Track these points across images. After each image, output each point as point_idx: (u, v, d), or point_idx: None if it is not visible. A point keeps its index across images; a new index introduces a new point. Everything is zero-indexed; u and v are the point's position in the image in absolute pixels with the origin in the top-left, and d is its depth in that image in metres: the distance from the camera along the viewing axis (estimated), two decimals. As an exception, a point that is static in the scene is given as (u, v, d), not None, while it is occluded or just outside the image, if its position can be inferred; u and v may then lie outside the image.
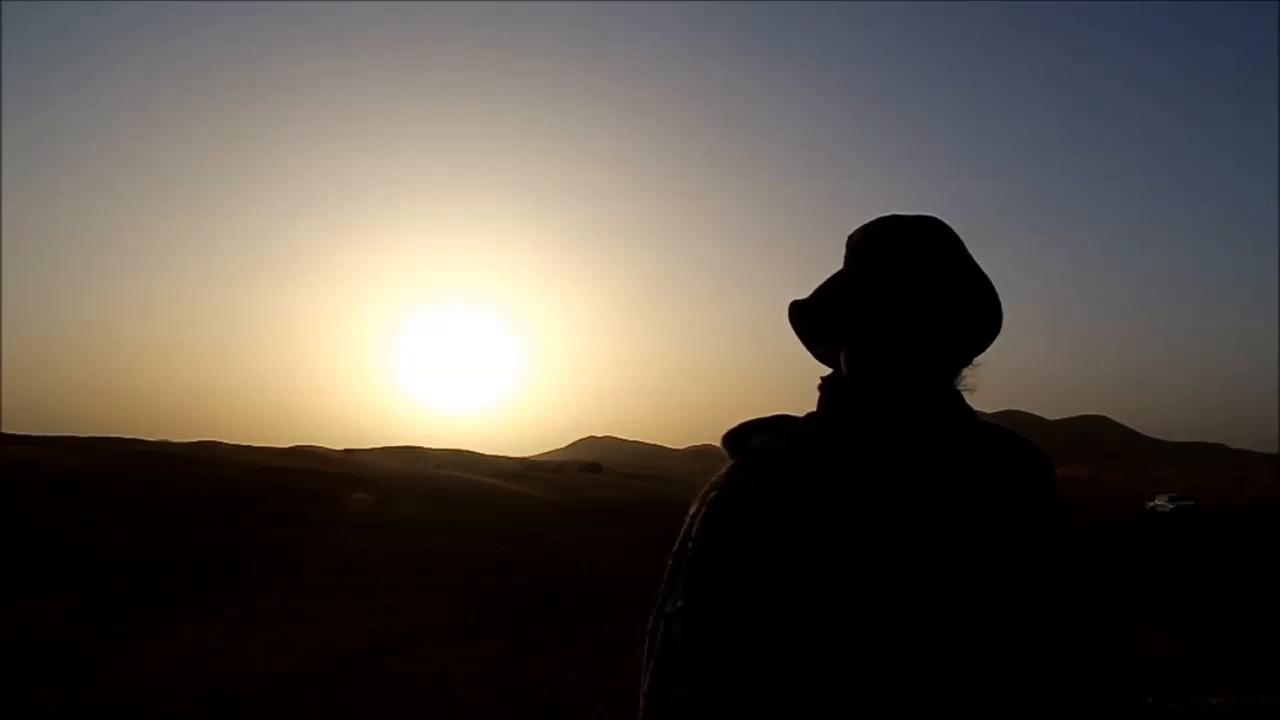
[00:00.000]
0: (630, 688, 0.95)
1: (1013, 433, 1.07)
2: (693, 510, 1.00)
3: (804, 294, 1.09)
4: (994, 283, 1.05)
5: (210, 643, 8.31)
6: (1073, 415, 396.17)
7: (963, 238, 1.06)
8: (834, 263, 1.11)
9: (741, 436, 1.06)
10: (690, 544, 0.96)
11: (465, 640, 8.86)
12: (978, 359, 1.06)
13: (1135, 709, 0.97)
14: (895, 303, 0.99)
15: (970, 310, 1.02)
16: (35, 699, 6.13)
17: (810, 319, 1.08)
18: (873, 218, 1.10)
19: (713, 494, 0.99)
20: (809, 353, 1.12)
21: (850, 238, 1.10)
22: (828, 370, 1.10)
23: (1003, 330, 1.07)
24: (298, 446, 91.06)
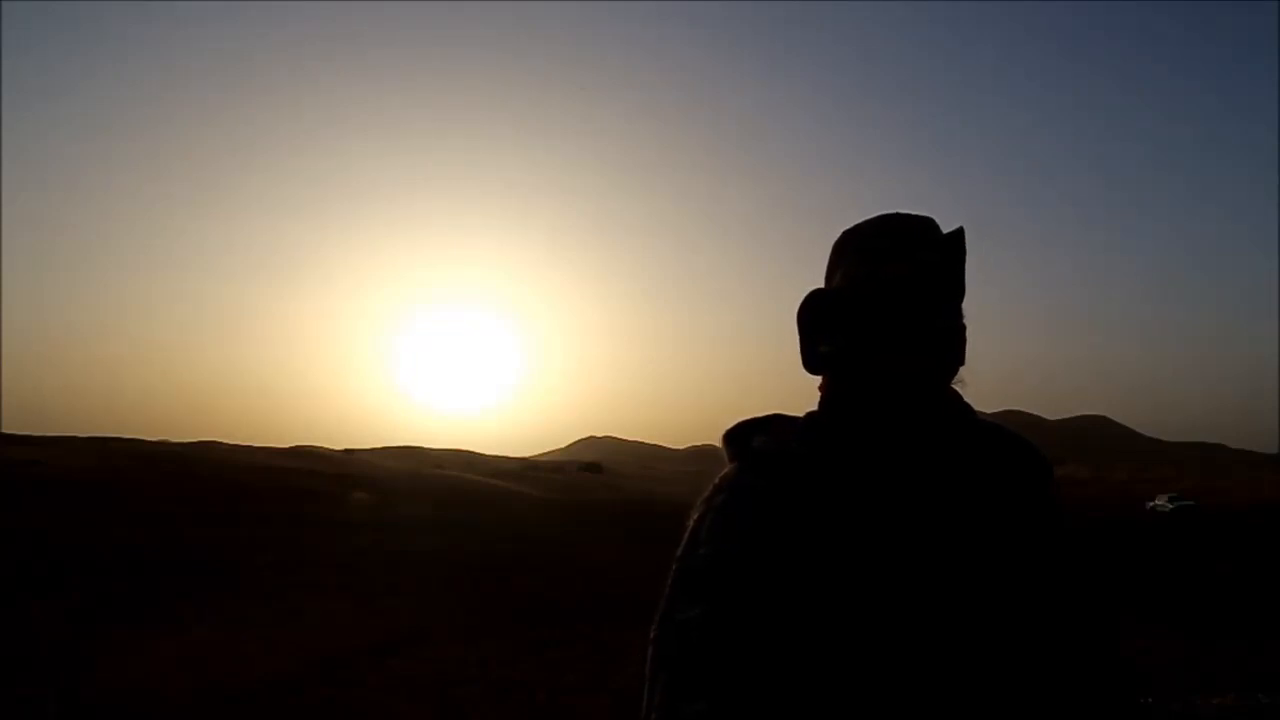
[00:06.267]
0: (631, 687, 0.93)
1: (1012, 432, 1.06)
2: (697, 514, 0.95)
3: (801, 296, 1.07)
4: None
5: (210, 643, 8.31)
6: (1073, 415, 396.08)
7: (965, 238, 1.02)
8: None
9: (742, 436, 1.02)
10: (700, 549, 0.91)
11: (465, 640, 8.86)
12: (968, 355, 1.02)
13: (1135, 709, 0.97)
14: (879, 304, 0.97)
15: (945, 313, 0.98)
16: (35, 699, 6.13)
17: (817, 315, 1.03)
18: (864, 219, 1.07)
19: (720, 498, 0.95)
20: (803, 354, 1.05)
21: (838, 240, 1.08)
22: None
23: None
24: (298, 446, 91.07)
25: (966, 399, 1.03)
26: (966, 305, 1.03)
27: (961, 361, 1.01)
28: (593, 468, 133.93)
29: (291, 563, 15.26)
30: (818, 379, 1.07)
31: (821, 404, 1.04)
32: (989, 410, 1.04)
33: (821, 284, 1.09)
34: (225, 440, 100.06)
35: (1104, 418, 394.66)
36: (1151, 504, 45.76)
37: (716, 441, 1.06)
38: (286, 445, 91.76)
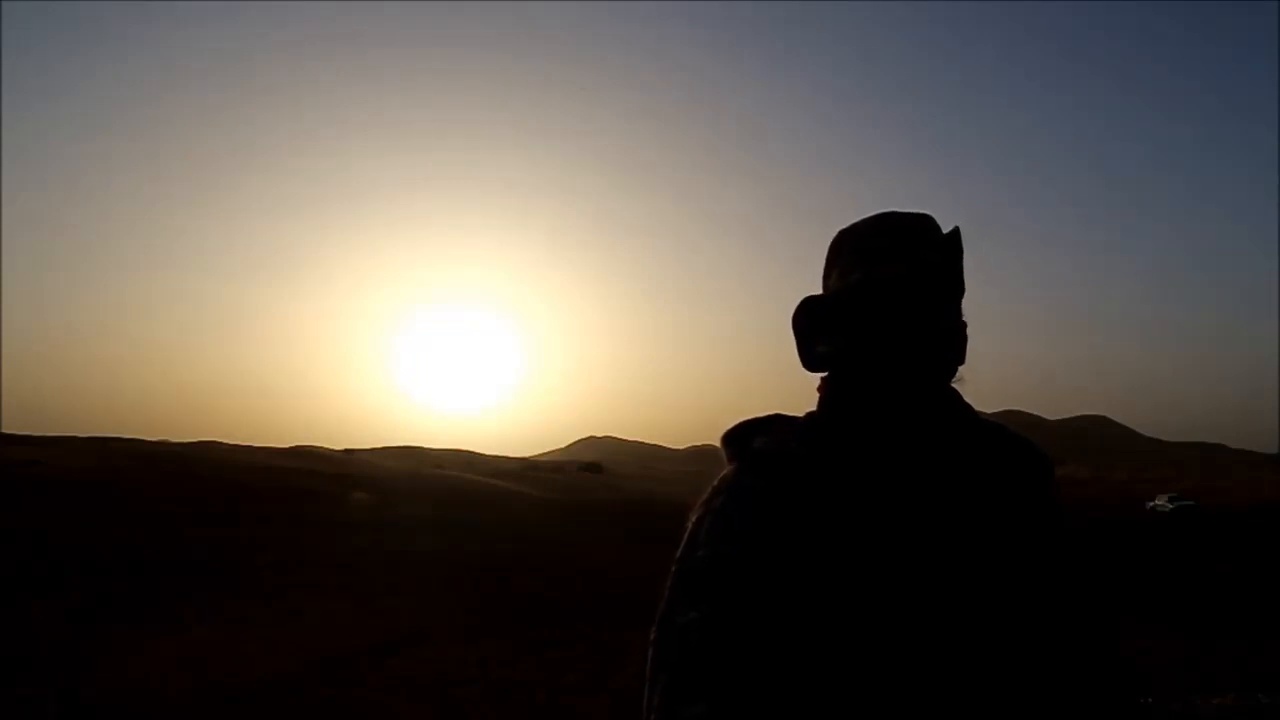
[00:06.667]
0: (631, 687, 0.93)
1: (1013, 432, 1.05)
2: (695, 516, 0.95)
3: (802, 296, 1.06)
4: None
5: (210, 643, 8.31)
6: (1073, 415, 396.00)
7: (964, 237, 1.02)
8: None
9: (742, 437, 1.02)
10: (699, 551, 0.91)
11: (465, 640, 8.87)
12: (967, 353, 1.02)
13: (1135, 709, 0.97)
14: (878, 304, 0.96)
15: (945, 313, 0.98)
16: (35, 699, 6.13)
17: (813, 319, 1.03)
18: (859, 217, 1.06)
19: (719, 499, 0.94)
20: (801, 355, 1.05)
21: (834, 240, 1.07)
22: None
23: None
24: (298, 446, 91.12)
25: (966, 398, 1.03)
26: (966, 305, 1.02)
27: (961, 361, 1.01)
28: (593, 468, 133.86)
29: (291, 563, 15.26)
30: (817, 379, 1.06)
31: (820, 404, 1.04)
32: (989, 410, 1.04)
33: (820, 284, 1.09)
34: (225, 440, 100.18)
35: (1104, 418, 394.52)
36: (1151, 504, 45.72)
37: (716, 442, 1.05)
38: (286, 445, 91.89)
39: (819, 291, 1.07)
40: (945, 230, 1.01)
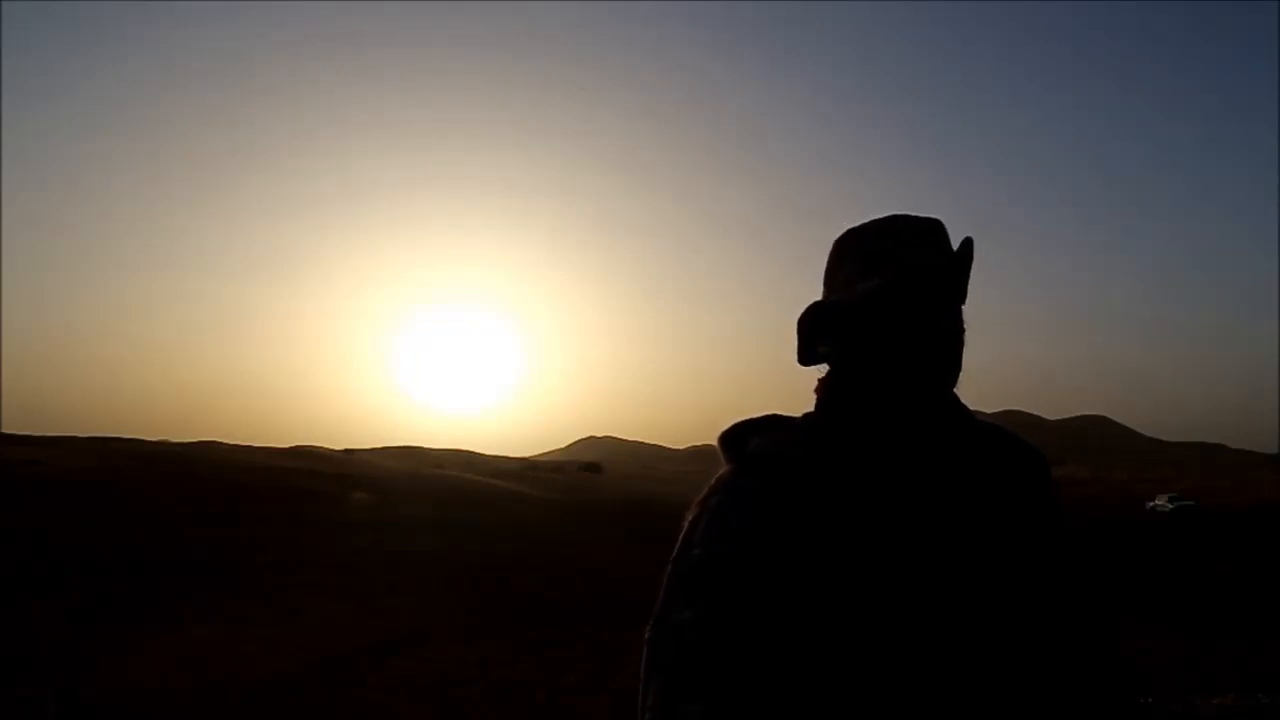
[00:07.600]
0: (631, 687, 0.93)
1: (1010, 432, 1.06)
2: (691, 517, 0.96)
3: (802, 296, 1.06)
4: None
5: (210, 643, 8.31)
6: (1073, 415, 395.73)
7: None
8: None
9: (738, 438, 1.02)
10: (695, 551, 0.91)
11: (465, 640, 8.86)
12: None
13: (1135, 709, 0.97)
14: (884, 305, 0.97)
15: (951, 315, 0.99)
16: (35, 699, 6.13)
17: (818, 325, 1.04)
18: (860, 221, 1.06)
19: (714, 499, 0.95)
20: (800, 352, 1.06)
21: (841, 239, 1.07)
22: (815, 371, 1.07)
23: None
24: (298, 446, 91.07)
25: (963, 399, 1.03)
26: (965, 306, 1.03)
27: (960, 366, 1.01)
28: (593, 468, 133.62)
29: (291, 563, 15.25)
30: (815, 380, 1.07)
31: (818, 405, 1.04)
32: (989, 410, 1.05)
33: (820, 284, 1.09)
34: (225, 440, 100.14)
35: (1104, 418, 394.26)
36: (1151, 504, 45.67)
37: (715, 442, 1.06)
38: (286, 445, 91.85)
39: (819, 291, 1.07)
40: (959, 245, 1.02)
